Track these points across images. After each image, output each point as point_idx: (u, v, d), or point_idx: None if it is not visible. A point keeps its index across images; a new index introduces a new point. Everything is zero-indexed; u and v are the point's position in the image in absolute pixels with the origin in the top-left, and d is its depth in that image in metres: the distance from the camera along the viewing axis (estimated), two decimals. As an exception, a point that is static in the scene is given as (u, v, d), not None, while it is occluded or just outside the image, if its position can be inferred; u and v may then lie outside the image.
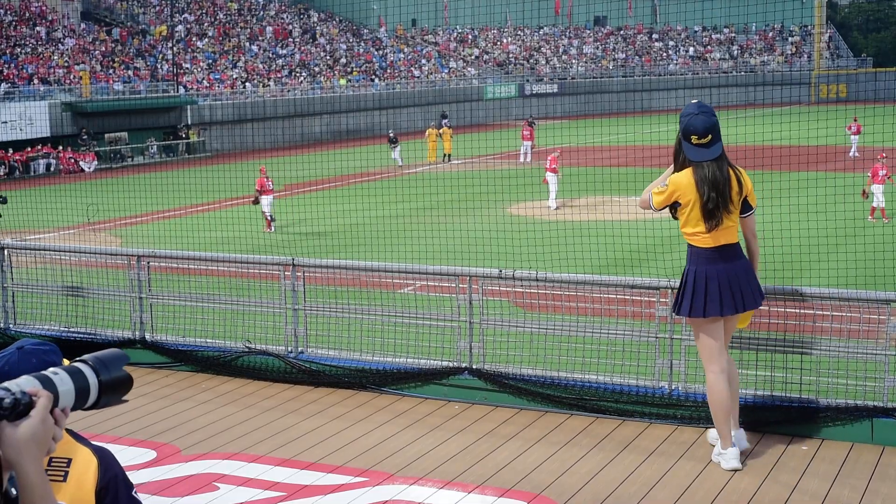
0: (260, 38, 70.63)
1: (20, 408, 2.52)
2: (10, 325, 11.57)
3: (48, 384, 2.65)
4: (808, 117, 28.83)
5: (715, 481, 7.33)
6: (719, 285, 7.55)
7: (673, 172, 7.75)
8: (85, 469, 3.35)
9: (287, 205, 27.46)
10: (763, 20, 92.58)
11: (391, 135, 43.35)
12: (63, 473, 3.33)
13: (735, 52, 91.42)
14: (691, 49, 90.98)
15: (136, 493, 3.47)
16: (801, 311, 8.69)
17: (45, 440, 2.59)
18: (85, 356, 2.81)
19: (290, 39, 72.77)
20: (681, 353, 8.70)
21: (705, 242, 7.61)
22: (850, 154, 38.65)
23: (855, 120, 40.09)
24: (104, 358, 2.81)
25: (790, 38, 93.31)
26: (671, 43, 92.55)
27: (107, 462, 3.41)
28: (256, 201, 26.72)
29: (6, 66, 51.62)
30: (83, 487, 3.33)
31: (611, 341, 9.12)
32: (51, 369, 2.75)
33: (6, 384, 2.54)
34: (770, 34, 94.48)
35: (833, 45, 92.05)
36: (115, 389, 2.83)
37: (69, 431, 3.45)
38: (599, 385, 8.89)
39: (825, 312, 8.44)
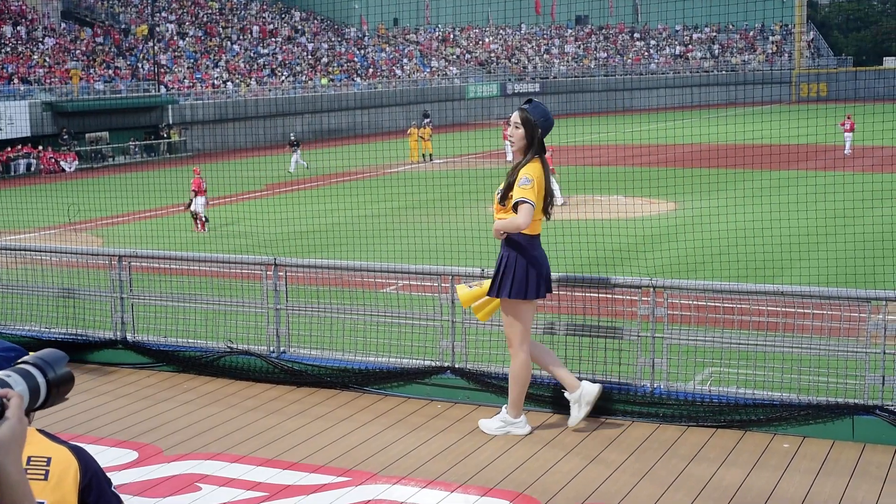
0: (245, 36, 70.45)
1: None
2: (-9, 326, 11.52)
3: (4, 386, 2.67)
4: (788, 116, 28.96)
5: (697, 479, 7.35)
6: (538, 271, 8.15)
7: (527, 165, 8.14)
8: (66, 468, 3.35)
9: (268, 204, 27.42)
10: (744, 19, 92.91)
11: (292, 138, 42.19)
12: (44, 472, 3.33)
13: (716, 51, 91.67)
14: (676, 48, 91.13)
15: (114, 488, 3.48)
16: (783, 309, 8.72)
17: (23, 440, 2.59)
18: (26, 357, 2.85)
19: (272, 39, 72.62)
20: (662, 351, 8.72)
21: (537, 230, 8.25)
22: (845, 151, 38.80)
23: (848, 117, 40.19)
24: (46, 358, 2.86)
25: (771, 38, 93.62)
26: (652, 42, 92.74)
27: (85, 460, 3.42)
28: (190, 203, 26.81)
29: (-14, 65, 51.36)
30: (65, 486, 3.33)
31: (592, 340, 9.14)
32: (5, 373, 2.76)
33: None
34: (751, 33, 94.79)
35: (813, 45, 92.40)
36: (59, 388, 2.87)
37: (41, 431, 3.45)
38: (582, 384, 8.89)
39: (806, 311, 8.47)
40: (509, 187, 8.10)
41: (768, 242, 16.04)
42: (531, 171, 8.06)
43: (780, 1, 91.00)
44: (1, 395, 2.59)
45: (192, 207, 26.69)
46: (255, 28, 72.98)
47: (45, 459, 3.36)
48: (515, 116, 8.19)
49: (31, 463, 3.33)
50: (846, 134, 40.08)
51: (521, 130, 8.14)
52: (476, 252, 16.09)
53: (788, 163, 25.54)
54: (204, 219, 26.43)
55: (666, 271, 15.78)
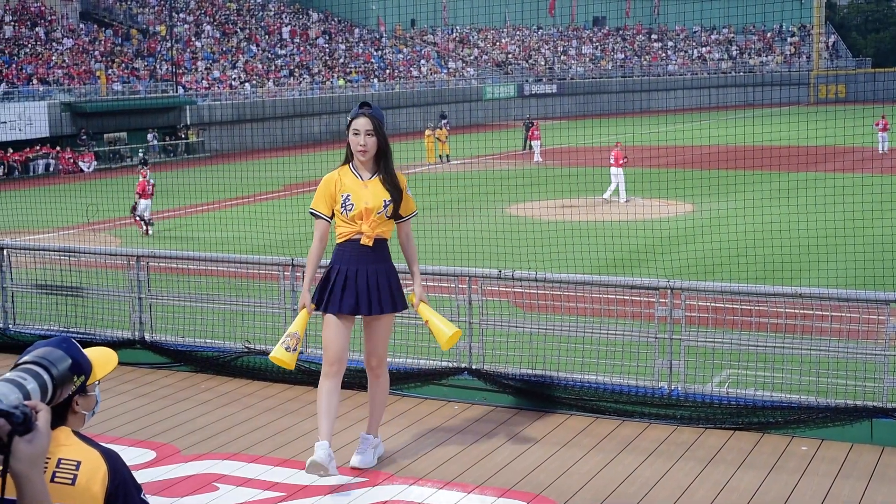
0: (263, 37, 70.58)
1: (28, 423, 2.57)
2: (10, 326, 11.57)
3: (22, 388, 2.71)
4: (807, 118, 28.83)
5: (715, 481, 7.33)
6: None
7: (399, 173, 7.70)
8: (94, 473, 3.35)
9: (286, 205, 27.45)
10: (762, 20, 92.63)
11: (141, 155, 40.49)
12: (72, 477, 3.33)
13: (734, 52, 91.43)
14: (694, 51, 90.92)
15: (144, 495, 3.47)
16: (801, 311, 8.69)
17: (47, 450, 2.65)
18: (26, 357, 2.90)
19: (290, 40, 72.75)
20: (680, 353, 8.70)
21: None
22: (880, 151, 38.64)
23: (883, 117, 39.98)
24: (49, 357, 2.92)
25: (789, 39, 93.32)
26: (670, 43, 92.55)
27: (115, 466, 3.41)
28: (135, 207, 26.95)
29: (5, 66, 51.60)
30: (91, 491, 3.33)
31: (610, 342, 9.13)
32: (16, 374, 2.78)
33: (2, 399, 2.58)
34: (769, 34, 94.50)
35: (832, 46, 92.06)
36: (63, 386, 2.92)
37: (76, 433, 3.46)
38: (599, 385, 8.89)
39: (824, 313, 8.44)
40: (397, 201, 7.49)
41: (786, 244, 15.98)
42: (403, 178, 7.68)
43: (798, 2, 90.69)
44: (31, 408, 2.62)
45: (137, 210, 26.86)
46: (273, 29, 73.11)
47: (75, 463, 3.36)
48: (367, 123, 7.44)
49: (61, 466, 3.34)
50: (881, 134, 39.83)
51: (375, 137, 7.46)
52: (494, 252, 16.10)
53: (807, 164, 25.48)
54: (148, 221, 26.60)
55: (683, 273, 15.73)
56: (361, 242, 7.44)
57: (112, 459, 3.40)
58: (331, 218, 7.51)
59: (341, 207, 7.42)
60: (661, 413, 8.60)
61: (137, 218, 26.82)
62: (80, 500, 3.30)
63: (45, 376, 2.84)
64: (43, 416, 2.64)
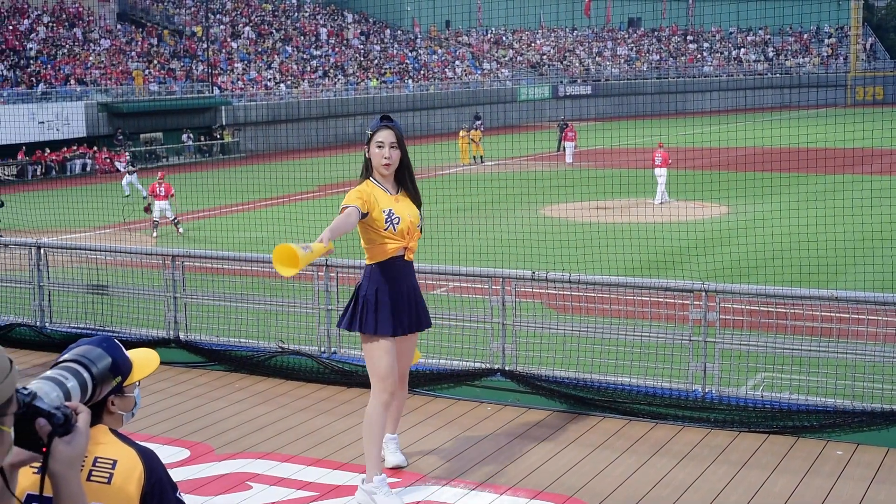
0: (304, 37, 70.81)
1: (69, 424, 2.59)
2: (46, 324, 11.67)
3: (62, 386, 2.73)
4: (843, 119, 28.63)
5: (749, 485, 7.29)
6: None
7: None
8: (129, 472, 3.36)
9: (320, 205, 27.52)
10: (798, 22, 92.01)
11: (128, 157, 39.68)
12: (108, 475, 3.35)
13: (770, 53, 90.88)
14: (731, 52, 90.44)
15: (180, 494, 3.48)
16: (837, 314, 8.63)
17: (85, 452, 2.67)
18: (66, 356, 2.92)
19: (325, 41, 72.95)
20: (714, 356, 8.66)
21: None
22: None
23: None
24: (88, 355, 2.95)
25: (826, 40, 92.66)
26: (706, 44, 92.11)
27: (152, 465, 3.42)
28: (149, 208, 27.08)
29: (43, 66, 52.02)
30: (127, 490, 3.34)
31: (644, 344, 9.10)
32: (57, 372, 2.81)
33: (40, 396, 2.60)
34: (806, 36, 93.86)
35: (869, 48, 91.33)
36: (102, 384, 2.94)
37: (113, 431, 3.48)
38: (632, 387, 8.86)
39: (860, 316, 8.38)
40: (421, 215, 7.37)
41: (822, 247, 15.87)
42: None
43: (835, 3, 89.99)
44: (72, 409, 2.65)
45: (152, 212, 27.00)
46: (309, 30, 73.34)
47: (112, 462, 3.38)
48: (391, 136, 7.17)
49: (98, 464, 3.35)
50: None
51: (399, 150, 7.24)
52: (527, 254, 16.08)
53: (843, 166, 25.26)
54: (174, 221, 26.77)
55: (718, 275, 15.67)
56: (406, 258, 7.27)
57: (148, 458, 3.41)
58: (364, 214, 7.08)
59: (386, 223, 7.09)
60: (695, 416, 8.56)
61: (165, 220, 26.95)
62: (116, 500, 3.32)
63: (85, 374, 2.87)
64: (83, 418, 2.66)
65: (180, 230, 26.54)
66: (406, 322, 7.28)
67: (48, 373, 2.80)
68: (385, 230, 7.12)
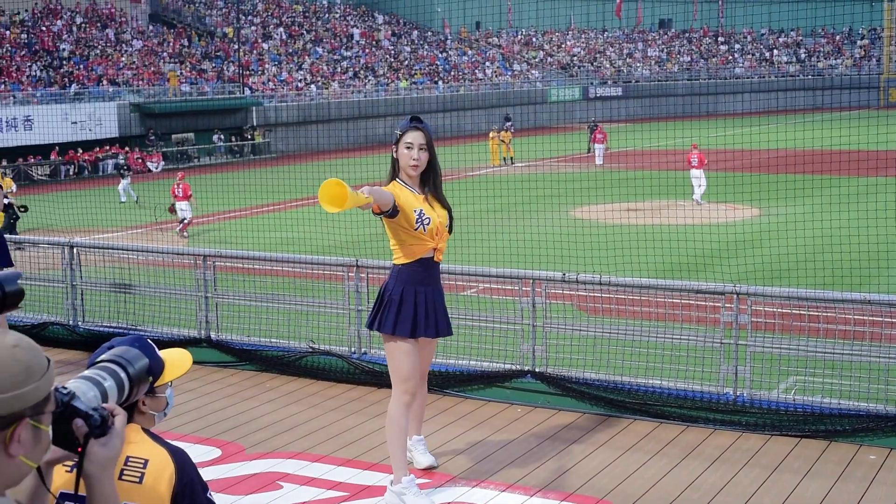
0: (335, 38, 70.99)
1: (105, 426, 2.61)
2: (79, 323, 11.75)
3: (100, 386, 2.75)
4: (877, 121, 28.44)
5: (780, 489, 7.25)
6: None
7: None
8: (161, 471, 3.38)
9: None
10: (831, 23, 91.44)
11: (121, 160, 38.73)
12: (139, 475, 3.37)
13: (802, 55, 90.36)
14: (762, 54, 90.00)
15: (210, 494, 3.49)
16: (869, 318, 8.57)
17: (120, 453, 2.69)
18: (104, 355, 2.94)
19: (355, 42, 73.11)
20: (746, 359, 8.61)
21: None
22: None
23: None
24: (125, 355, 2.98)
25: (859, 42, 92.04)
26: (737, 46, 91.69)
27: (183, 465, 3.44)
28: (173, 209, 27.15)
29: (76, 67, 52.38)
30: (158, 490, 3.36)
31: (675, 346, 9.06)
32: (94, 371, 2.82)
33: (78, 396, 2.62)
34: (838, 37, 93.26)
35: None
36: (139, 384, 2.96)
37: (146, 430, 3.50)
38: (663, 390, 8.83)
39: (894, 319, 8.32)
40: (451, 216, 7.35)
41: (855, 250, 15.76)
42: None
43: (868, 4, 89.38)
44: (109, 410, 2.66)
45: (180, 214, 27.11)
46: (340, 31, 73.50)
47: (143, 461, 3.40)
48: (421, 137, 7.14)
49: (129, 463, 3.37)
50: None
51: (427, 152, 7.20)
52: (558, 255, 16.05)
53: (876, 169, 25.11)
54: (183, 222, 26.85)
55: (750, 278, 15.59)
56: (435, 259, 7.25)
57: (180, 458, 3.43)
58: (393, 213, 6.99)
59: (417, 223, 7.06)
60: (727, 419, 8.52)
61: (184, 222, 27.07)
62: (147, 499, 3.33)
63: (122, 375, 2.89)
64: (119, 421, 2.67)
65: (185, 235, 26.53)
66: (428, 325, 7.23)
67: (86, 372, 2.82)
68: (416, 230, 7.10)
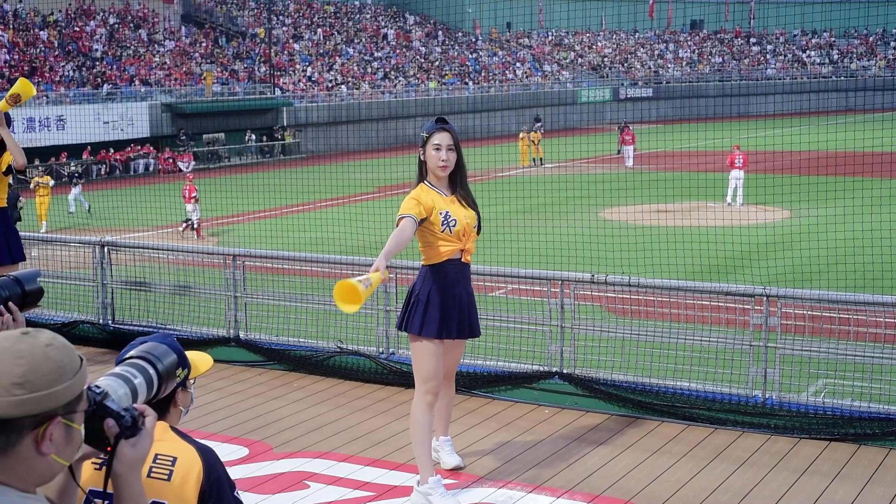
0: (366, 39, 71.13)
1: (135, 427, 2.63)
2: (109, 322, 11.82)
3: (129, 383, 2.76)
4: (910, 123, 28.23)
5: (809, 492, 7.21)
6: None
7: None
8: (189, 469, 3.40)
9: (380, 207, 27.62)
10: (864, 24, 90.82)
11: (73, 167, 37.34)
12: (168, 473, 3.39)
13: (835, 56, 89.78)
14: (795, 55, 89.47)
15: (237, 492, 3.51)
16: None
17: (148, 454, 2.71)
18: (132, 352, 2.95)
19: (386, 42, 73.23)
20: (775, 361, 8.57)
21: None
22: None
23: None
24: (154, 352, 3.00)
25: (892, 43, 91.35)
26: (769, 47, 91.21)
27: (211, 463, 3.45)
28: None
29: (109, 67, 52.71)
30: (186, 488, 3.38)
31: (704, 348, 9.02)
32: (124, 369, 2.84)
33: (111, 396, 2.63)
34: (871, 39, 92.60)
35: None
36: (168, 380, 2.98)
37: (173, 429, 3.52)
38: (691, 392, 8.80)
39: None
40: (479, 217, 7.33)
41: (886, 252, 15.65)
42: None
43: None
44: (140, 411, 2.68)
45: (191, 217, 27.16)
46: (370, 31, 73.63)
47: (172, 459, 3.42)
48: (448, 138, 7.15)
49: (158, 461, 3.39)
50: None
51: (455, 153, 7.20)
52: (587, 256, 16.02)
53: (910, 171, 24.88)
54: (195, 225, 26.88)
55: (780, 280, 15.51)
56: (463, 260, 7.23)
57: (207, 456, 3.44)
58: (418, 221, 7.06)
59: (442, 225, 7.06)
60: (755, 422, 8.48)
61: (193, 224, 27.12)
62: (175, 497, 3.35)
63: (152, 371, 2.90)
64: (150, 422, 2.69)
65: (182, 234, 26.57)
66: (455, 327, 7.21)
67: (116, 369, 2.83)
68: (441, 232, 7.10)
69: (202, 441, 3.56)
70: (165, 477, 3.35)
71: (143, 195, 33.92)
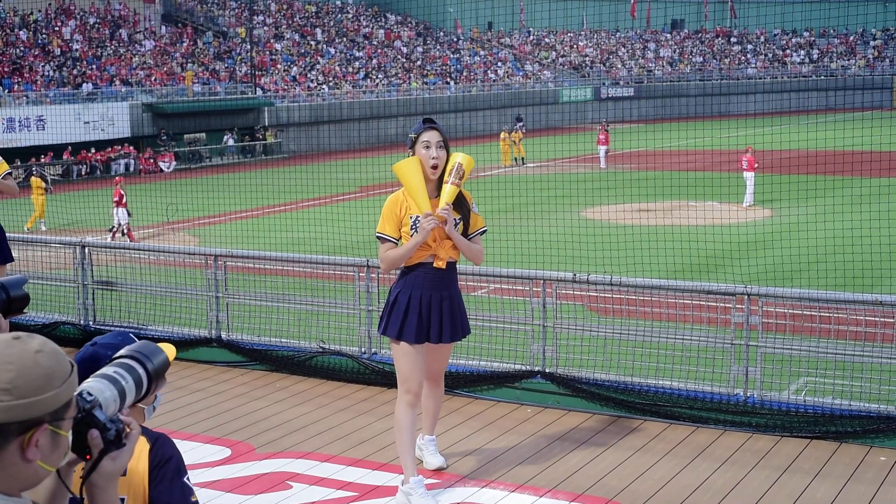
0: (340, 39, 71.05)
1: (119, 441, 2.61)
2: (90, 322, 11.77)
3: (118, 385, 2.73)
4: (890, 122, 28.38)
5: (791, 490, 7.24)
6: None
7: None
8: (138, 456, 3.39)
9: (362, 206, 27.60)
10: (844, 24, 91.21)
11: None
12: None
13: (814, 55, 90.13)
14: (774, 55, 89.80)
15: (188, 479, 3.48)
16: (881, 319, 8.55)
17: (126, 467, 2.69)
18: (122, 351, 2.92)
19: (367, 42, 73.17)
20: (757, 360, 8.60)
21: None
22: None
23: None
24: (143, 350, 2.95)
25: (872, 42, 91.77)
26: (749, 46, 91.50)
27: (159, 444, 3.45)
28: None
29: (89, 67, 52.51)
30: (137, 473, 3.38)
31: (685, 347, 9.05)
32: (113, 370, 2.81)
33: (99, 404, 2.61)
34: (851, 38, 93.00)
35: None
36: (158, 379, 2.96)
37: None
38: (673, 391, 8.82)
39: (906, 321, 8.29)
40: (466, 219, 7.23)
41: (867, 251, 15.73)
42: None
43: (882, 5, 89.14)
44: (126, 423, 2.66)
45: (116, 220, 26.78)
46: (351, 31, 73.55)
47: None
48: (437, 136, 7.15)
49: None
50: None
51: (445, 151, 7.18)
52: (569, 256, 16.04)
53: (889, 170, 24.99)
54: (125, 229, 26.55)
55: (761, 279, 15.57)
56: (434, 265, 7.16)
57: (155, 438, 3.44)
58: (398, 241, 7.14)
59: (411, 229, 7.06)
60: (737, 420, 8.51)
61: (122, 229, 26.70)
62: (129, 485, 3.35)
63: (141, 371, 2.85)
64: (133, 437, 2.67)
65: (112, 237, 26.12)
66: (433, 330, 7.18)
67: (104, 370, 2.80)
68: (410, 237, 7.09)
69: (184, 442, 3.55)
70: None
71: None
